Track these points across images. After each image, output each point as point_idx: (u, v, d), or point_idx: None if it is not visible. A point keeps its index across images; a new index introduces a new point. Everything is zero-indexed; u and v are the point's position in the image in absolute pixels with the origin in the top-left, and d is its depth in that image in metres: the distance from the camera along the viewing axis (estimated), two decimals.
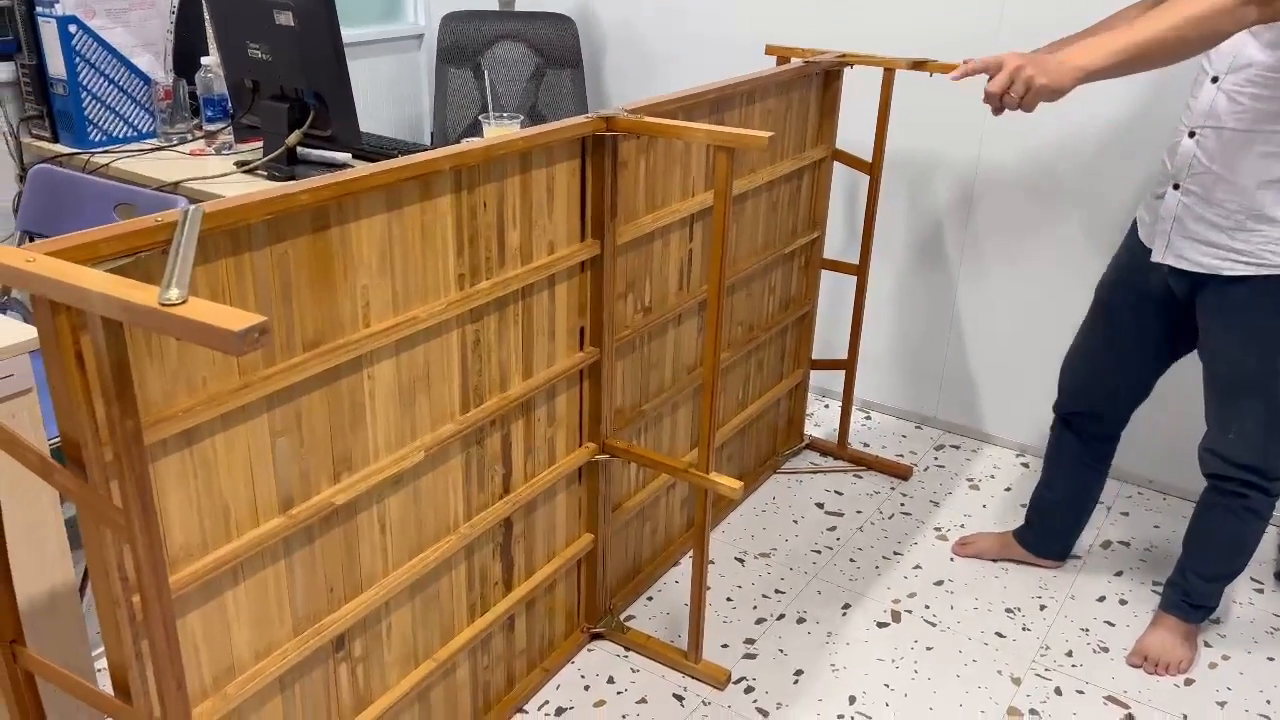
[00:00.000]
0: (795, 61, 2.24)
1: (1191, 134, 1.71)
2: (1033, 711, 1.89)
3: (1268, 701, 1.93)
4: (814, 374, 2.86)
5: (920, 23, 2.56)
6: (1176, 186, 1.75)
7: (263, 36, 2.13)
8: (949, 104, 2.56)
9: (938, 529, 2.43)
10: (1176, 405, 2.45)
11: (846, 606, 2.16)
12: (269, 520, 1.27)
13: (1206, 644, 2.08)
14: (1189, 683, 1.98)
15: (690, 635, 1.94)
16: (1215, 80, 1.66)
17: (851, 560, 2.31)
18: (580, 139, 1.65)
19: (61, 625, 1.42)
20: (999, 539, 2.30)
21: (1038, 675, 1.98)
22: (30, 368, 1.30)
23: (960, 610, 2.15)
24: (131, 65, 2.44)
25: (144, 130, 2.50)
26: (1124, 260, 1.93)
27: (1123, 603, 2.19)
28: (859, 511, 2.49)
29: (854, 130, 2.62)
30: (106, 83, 2.40)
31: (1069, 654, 2.04)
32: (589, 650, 2.02)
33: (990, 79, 1.56)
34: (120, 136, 2.46)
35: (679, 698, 1.90)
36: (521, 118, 2.23)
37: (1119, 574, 2.29)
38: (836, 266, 2.56)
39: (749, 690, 1.92)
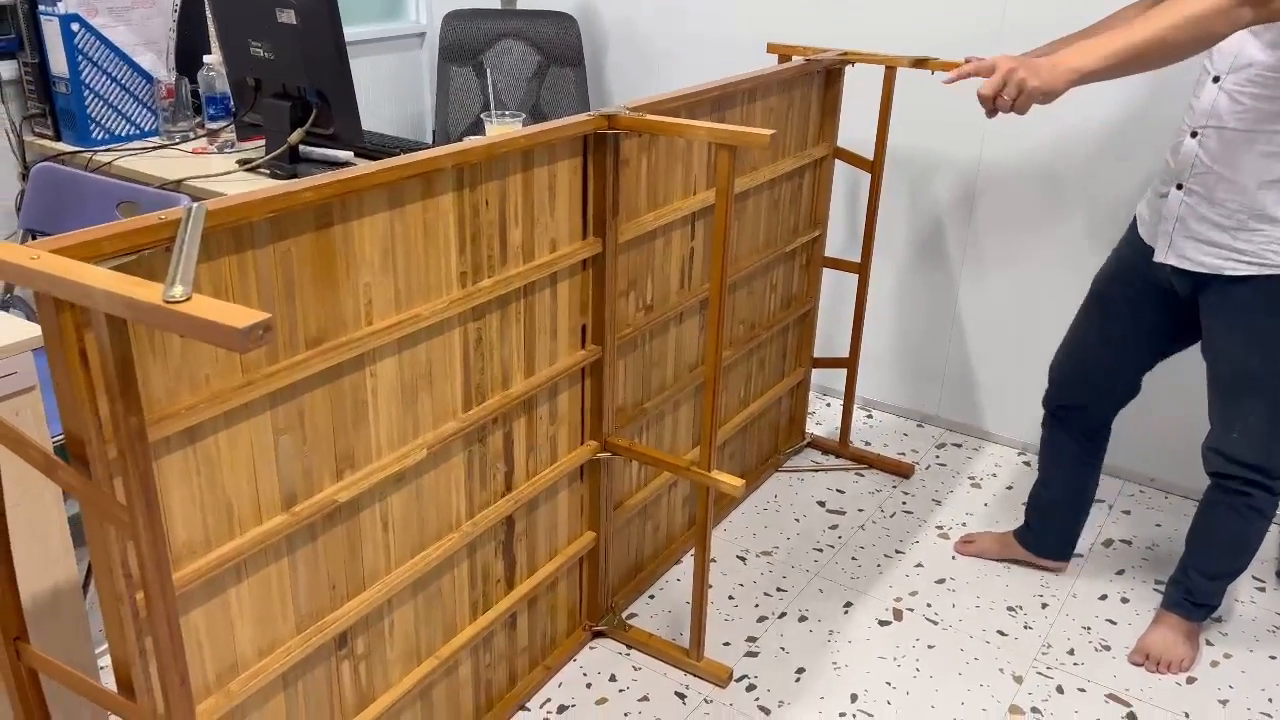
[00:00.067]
0: (797, 59, 2.24)
1: (1194, 134, 1.71)
2: (1035, 710, 1.89)
3: (1269, 700, 1.93)
4: (815, 372, 2.86)
5: (921, 22, 2.56)
6: (1179, 186, 1.75)
7: (265, 35, 2.13)
8: (950, 102, 2.56)
9: (939, 527, 2.43)
10: (1178, 404, 2.45)
11: (848, 605, 2.16)
12: (272, 518, 1.27)
13: (1208, 642, 2.08)
14: (1191, 681, 1.98)
15: (692, 633, 1.94)
16: (1217, 80, 1.66)
17: (853, 558, 2.31)
18: (582, 137, 1.65)
19: (65, 622, 1.42)
20: (1000, 539, 2.30)
21: (1039, 673, 1.98)
22: (33, 365, 1.30)
23: (962, 608, 2.15)
24: (134, 63, 2.44)
25: (146, 128, 2.51)
26: (1123, 254, 1.93)
27: (1124, 601, 2.19)
28: (861, 510, 2.49)
29: (855, 128, 2.62)
30: (109, 81, 2.40)
31: (1071, 652, 2.04)
32: (591, 648, 2.02)
33: (983, 82, 1.57)
34: (123, 135, 2.47)
35: (681, 695, 1.90)
36: (523, 116, 2.23)
37: (1121, 572, 2.29)
38: (838, 265, 2.56)
39: (751, 688, 1.93)
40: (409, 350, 1.42)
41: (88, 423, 0.95)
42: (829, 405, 2.99)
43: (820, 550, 2.34)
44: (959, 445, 2.80)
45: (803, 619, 2.11)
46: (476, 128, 3.02)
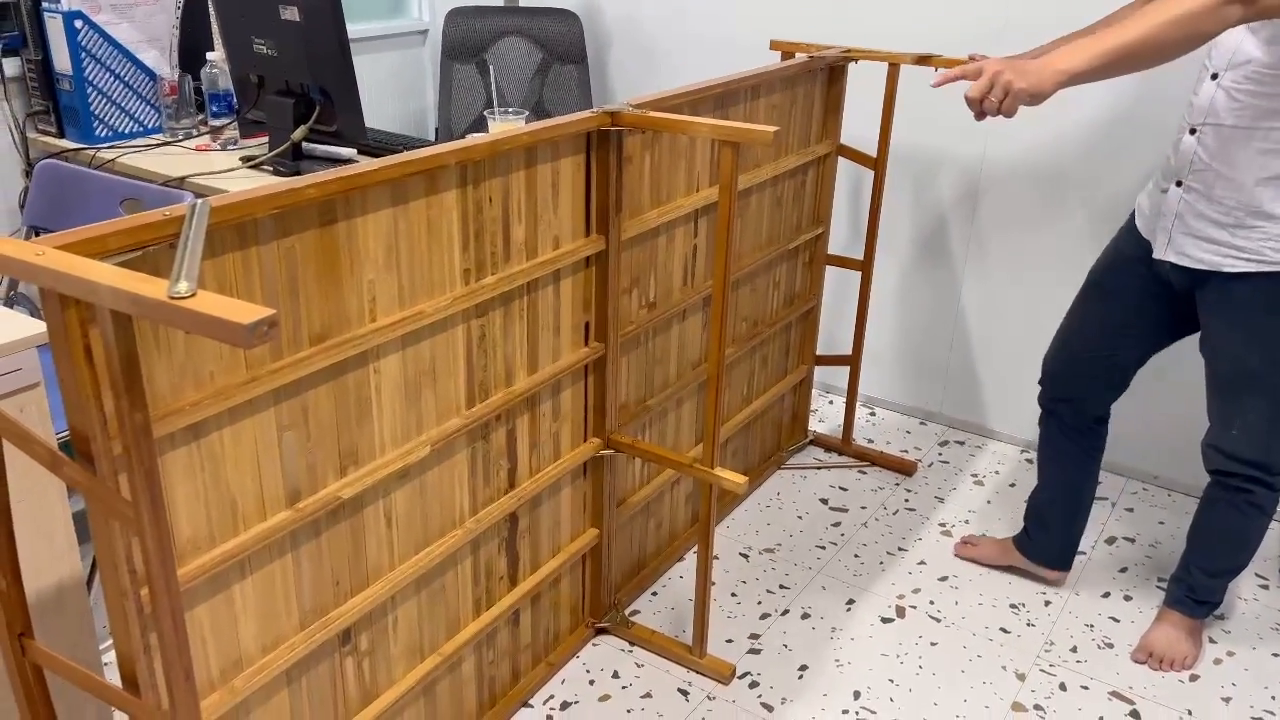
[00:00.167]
0: (800, 57, 2.24)
1: (1193, 131, 1.71)
2: (1037, 707, 1.89)
3: (1272, 697, 1.93)
4: (818, 370, 2.86)
5: (922, 22, 2.55)
6: (1179, 183, 1.75)
7: (268, 32, 2.13)
8: (954, 100, 2.56)
9: (942, 525, 2.43)
10: (1180, 402, 2.45)
11: (851, 602, 2.16)
12: (276, 514, 1.28)
13: (1211, 640, 2.08)
14: (1194, 678, 1.98)
15: (695, 630, 1.94)
16: (1215, 77, 1.66)
17: (856, 556, 2.31)
18: (585, 134, 1.65)
19: (70, 618, 1.42)
20: (1000, 545, 2.26)
21: (1042, 671, 1.98)
22: (38, 362, 1.30)
23: (965, 606, 2.15)
24: (137, 60, 2.44)
25: (149, 125, 2.51)
26: (1121, 246, 1.92)
27: (1127, 599, 2.19)
28: (863, 507, 2.49)
29: (859, 126, 2.61)
30: (112, 78, 2.40)
31: (1073, 649, 2.04)
32: (594, 645, 2.02)
33: (970, 85, 1.58)
34: (126, 132, 2.47)
35: (684, 692, 1.91)
36: (526, 113, 2.23)
37: (1123, 570, 2.29)
38: (841, 262, 2.56)
39: (753, 685, 1.93)
40: (412, 347, 1.43)
41: (93, 419, 0.96)
42: (831, 403, 2.99)
43: (823, 547, 2.34)
44: (962, 443, 2.80)
45: (805, 616, 2.12)
46: (479, 125, 3.02)
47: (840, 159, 2.48)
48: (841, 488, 2.58)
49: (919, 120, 2.63)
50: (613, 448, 1.89)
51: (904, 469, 2.64)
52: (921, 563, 2.29)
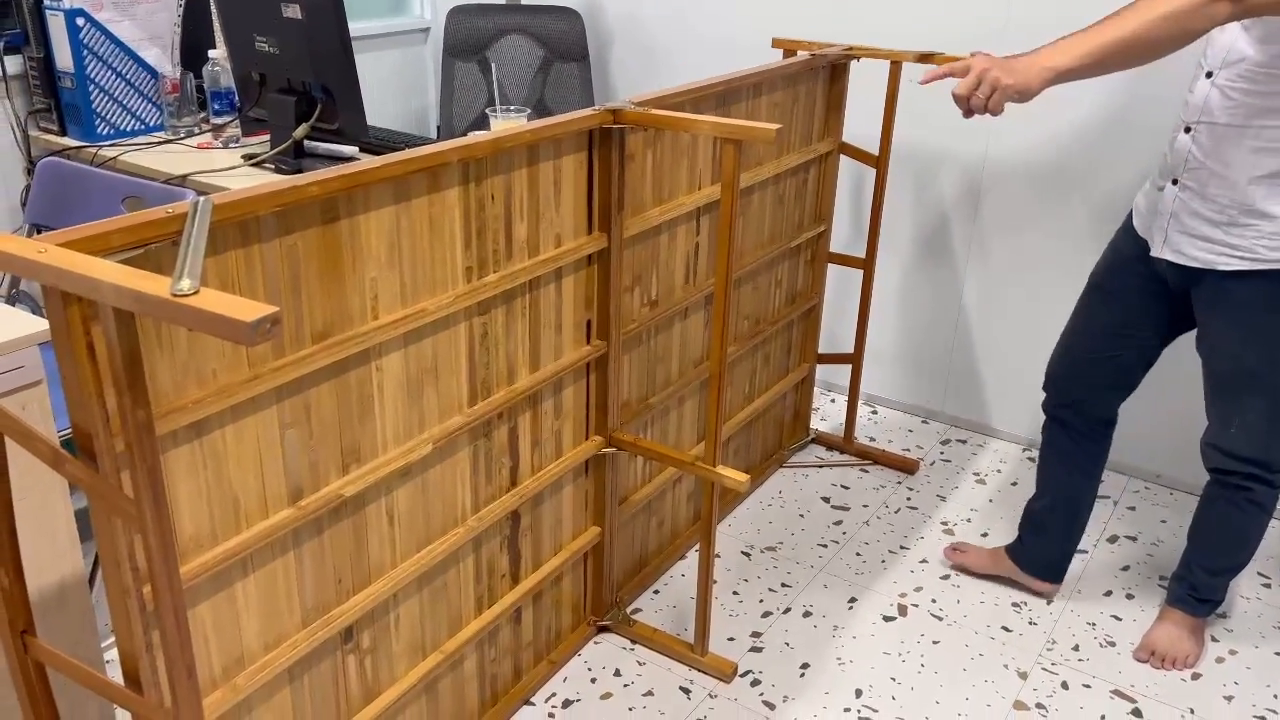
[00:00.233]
0: (802, 55, 2.24)
1: (1187, 129, 1.71)
2: (1039, 705, 1.89)
3: (1275, 696, 1.93)
4: (820, 368, 2.86)
5: (922, 22, 2.55)
6: (1174, 181, 1.75)
7: (270, 29, 2.13)
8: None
9: (944, 523, 2.43)
10: (1183, 400, 2.45)
11: (853, 600, 2.16)
12: (278, 512, 1.28)
13: (1214, 638, 2.07)
14: (1196, 677, 1.98)
15: (697, 628, 1.94)
16: (1210, 75, 1.66)
17: (858, 554, 2.31)
18: (587, 132, 1.65)
19: (72, 615, 1.42)
20: (990, 554, 2.22)
21: (1044, 669, 1.98)
22: (40, 359, 1.30)
23: (966, 604, 2.15)
24: (139, 58, 2.44)
25: (151, 123, 2.51)
26: (1120, 246, 1.92)
27: (1129, 597, 2.19)
28: (865, 505, 2.49)
29: (860, 124, 2.61)
30: (114, 76, 2.40)
31: (1075, 648, 2.04)
32: (595, 643, 2.02)
33: (958, 82, 1.59)
34: (127, 130, 2.47)
35: (685, 690, 1.91)
36: (528, 111, 2.23)
37: (1125, 568, 2.28)
38: (843, 260, 2.56)
39: (755, 683, 1.93)
40: (415, 345, 1.42)
41: (95, 416, 0.96)
42: (833, 401, 2.99)
43: (825, 546, 2.34)
44: (964, 441, 2.79)
45: (807, 614, 2.11)
46: (481, 123, 3.02)
47: (842, 157, 2.48)
48: (843, 486, 2.58)
49: (921, 118, 2.63)
50: (614, 446, 1.88)
51: (906, 467, 2.64)
52: (923, 561, 2.29)
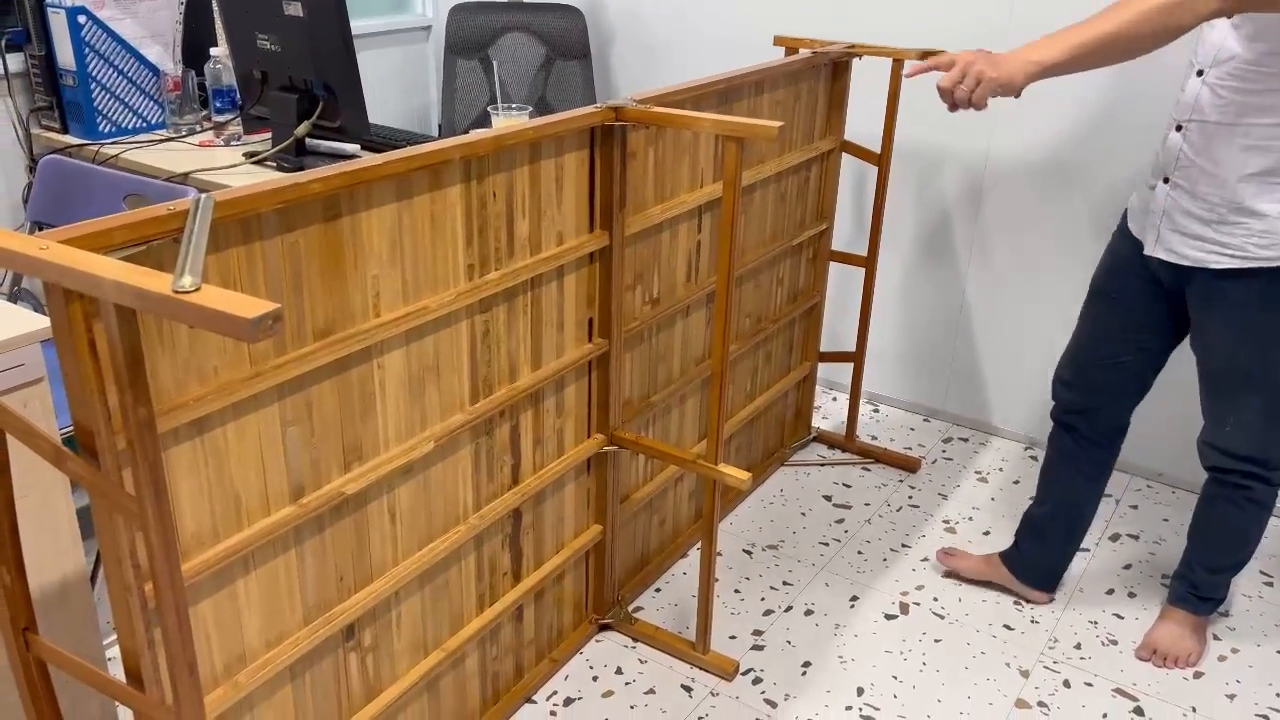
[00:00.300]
0: (804, 52, 2.23)
1: (1178, 128, 1.71)
2: (1041, 704, 1.89)
3: (1277, 694, 1.93)
4: (822, 366, 2.86)
5: (922, 22, 2.55)
6: (1166, 180, 1.75)
7: (271, 27, 2.13)
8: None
9: (946, 521, 2.43)
10: (1186, 399, 2.44)
11: (854, 598, 2.16)
12: (280, 509, 1.28)
13: (1216, 637, 2.07)
14: (1198, 675, 1.97)
15: (698, 626, 1.94)
16: (1200, 74, 1.66)
17: (859, 552, 2.31)
18: (589, 129, 1.65)
19: (74, 613, 1.42)
20: (983, 560, 2.19)
21: (1046, 667, 1.98)
22: (41, 357, 1.30)
23: (968, 602, 2.15)
24: (140, 56, 2.44)
25: (153, 121, 2.51)
26: (1118, 248, 1.91)
27: (1131, 596, 2.19)
28: (867, 504, 2.49)
29: (862, 122, 2.61)
30: (116, 74, 2.40)
31: (1077, 646, 2.03)
32: (597, 641, 2.02)
33: (943, 75, 1.61)
34: (129, 127, 2.47)
35: (687, 688, 1.91)
36: (530, 109, 2.23)
37: (1128, 567, 2.28)
38: (845, 259, 2.56)
39: (757, 681, 1.93)
40: (416, 343, 1.42)
41: (97, 413, 0.95)
42: (835, 399, 2.99)
43: (826, 544, 2.34)
44: (965, 439, 2.79)
45: (809, 613, 2.11)
46: (483, 121, 3.02)
47: (844, 155, 2.48)
48: (845, 484, 2.57)
49: (923, 117, 2.63)
50: (616, 444, 1.88)
51: (907, 466, 2.64)
52: (925, 559, 2.29)
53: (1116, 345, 1.93)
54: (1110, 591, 2.20)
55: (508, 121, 2.13)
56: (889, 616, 2.11)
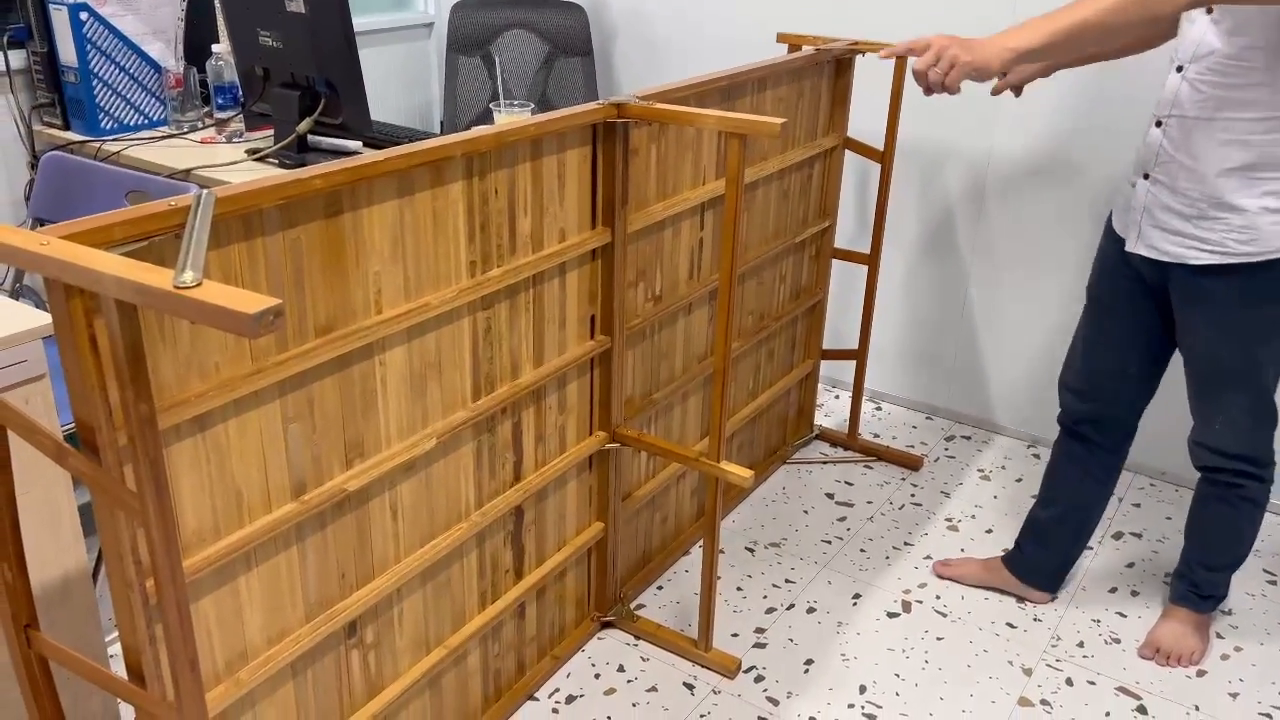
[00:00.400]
0: (807, 49, 2.23)
1: (1159, 123, 1.71)
2: (1044, 702, 1.89)
3: None
4: (824, 364, 2.86)
5: (926, 20, 2.54)
6: (1146, 176, 1.74)
7: (274, 24, 2.12)
8: (962, 92, 2.54)
9: (948, 520, 2.43)
10: (1186, 397, 2.44)
11: (857, 596, 2.15)
12: (281, 506, 1.27)
13: (1219, 635, 2.07)
14: (1201, 674, 1.97)
15: (700, 624, 1.94)
16: (1180, 69, 1.66)
17: (862, 550, 2.31)
18: (591, 126, 1.64)
19: (75, 609, 1.42)
20: (983, 564, 2.18)
21: (1049, 666, 1.98)
22: (43, 354, 1.30)
23: (971, 601, 2.15)
24: (142, 53, 2.44)
25: (155, 118, 2.51)
26: (1106, 250, 1.90)
27: (1134, 594, 2.18)
28: (869, 502, 2.49)
29: (866, 119, 2.60)
30: (118, 70, 2.40)
31: (1080, 645, 2.03)
32: (599, 638, 2.02)
33: (918, 59, 1.63)
34: (131, 124, 2.46)
35: (689, 686, 1.90)
36: (532, 105, 2.23)
37: (1130, 565, 2.28)
38: (847, 256, 2.55)
39: (759, 679, 1.92)
40: (418, 339, 1.42)
41: (98, 409, 0.95)
42: (837, 397, 2.98)
43: (829, 542, 2.33)
44: (968, 438, 2.79)
45: (811, 610, 2.11)
46: (484, 118, 3.01)
47: (847, 152, 2.47)
48: (847, 482, 2.57)
49: (926, 114, 2.62)
50: (618, 441, 1.88)
51: (910, 464, 2.64)
52: (927, 557, 2.28)
53: (1119, 353, 1.91)
54: (1113, 590, 2.19)
55: (510, 118, 2.12)
56: (891, 614, 2.11)
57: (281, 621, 1.32)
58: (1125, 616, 2.12)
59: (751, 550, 2.30)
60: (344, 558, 1.40)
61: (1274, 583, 2.24)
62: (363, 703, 1.50)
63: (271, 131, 2.31)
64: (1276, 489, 2.06)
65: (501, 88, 2.91)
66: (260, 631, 1.30)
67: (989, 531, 2.38)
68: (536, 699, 1.87)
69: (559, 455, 1.79)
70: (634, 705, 1.85)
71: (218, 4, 2.49)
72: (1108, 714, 1.86)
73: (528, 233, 1.57)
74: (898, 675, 1.94)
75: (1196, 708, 1.88)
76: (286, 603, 1.32)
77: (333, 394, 1.31)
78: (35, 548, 1.33)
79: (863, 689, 1.91)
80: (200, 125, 2.48)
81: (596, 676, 1.92)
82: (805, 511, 2.44)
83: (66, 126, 2.44)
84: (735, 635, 2.03)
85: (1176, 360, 2.00)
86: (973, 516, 2.44)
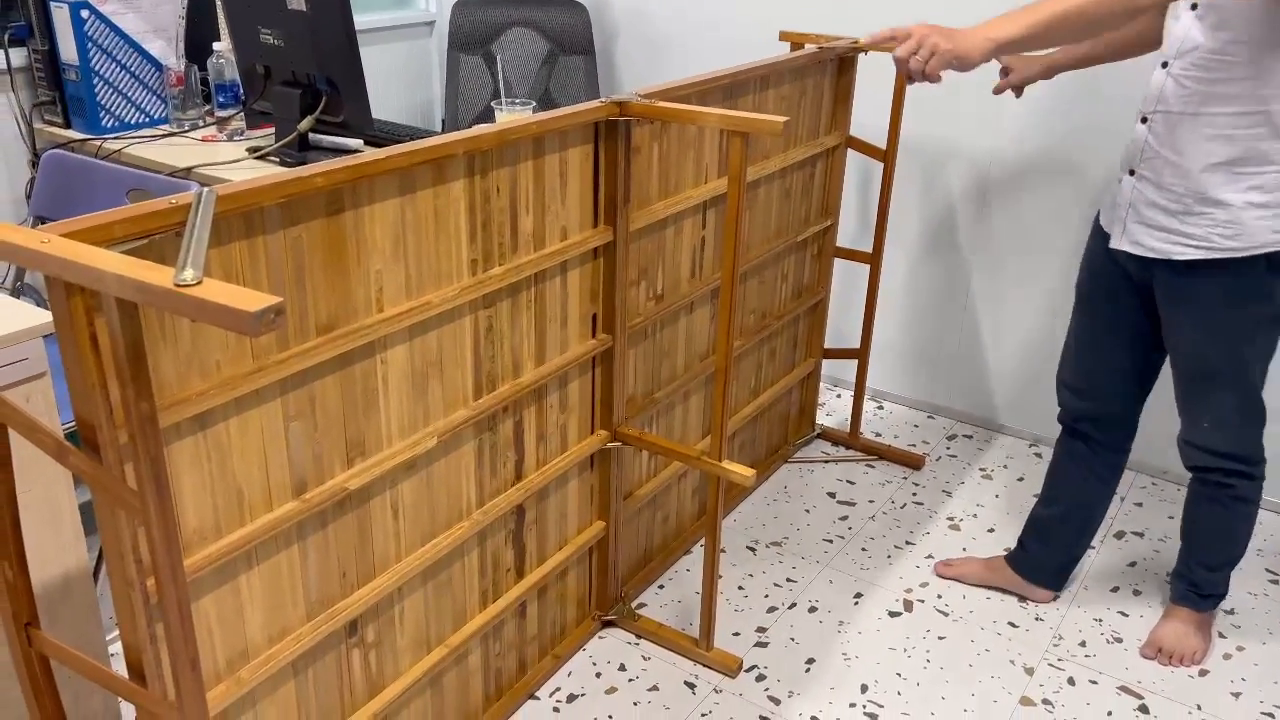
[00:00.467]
0: (809, 48, 2.22)
1: (1144, 120, 1.71)
2: (1046, 701, 1.88)
3: None
4: (826, 363, 2.85)
5: (927, 19, 2.53)
6: (1132, 172, 1.74)
7: (275, 22, 2.12)
8: (964, 92, 2.54)
9: (950, 519, 2.42)
10: None
11: (858, 596, 2.15)
12: (282, 504, 1.27)
13: (1221, 635, 2.07)
14: (1203, 673, 1.97)
15: (702, 623, 1.93)
16: (1165, 65, 1.66)
17: (863, 549, 2.30)
18: (593, 124, 1.64)
19: (76, 608, 1.42)
20: (985, 564, 2.18)
21: (1051, 665, 1.97)
22: (44, 352, 1.30)
23: (972, 600, 2.14)
24: (144, 51, 2.43)
25: (156, 116, 2.50)
26: (1093, 249, 1.90)
27: (1136, 593, 2.18)
28: (871, 501, 2.48)
29: (868, 118, 2.60)
30: (119, 68, 2.40)
31: (1082, 644, 2.03)
32: (600, 637, 2.02)
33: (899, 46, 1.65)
34: (132, 122, 2.46)
35: (690, 685, 1.90)
36: (534, 104, 2.22)
37: (1132, 564, 2.27)
38: (849, 255, 2.55)
39: (761, 678, 1.92)
40: (420, 338, 1.42)
41: (99, 408, 0.95)
42: (839, 396, 2.98)
43: (830, 541, 2.33)
44: (970, 437, 2.78)
45: (813, 609, 2.11)
46: (486, 116, 3.01)
47: (849, 151, 2.47)
48: (849, 481, 2.57)
49: (929, 113, 2.62)
50: (620, 440, 1.88)
51: (912, 463, 2.63)
52: (929, 557, 2.28)
53: (1110, 350, 1.91)
54: (1115, 589, 2.19)
55: (511, 116, 2.12)
56: (893, 614, 2.10)
57: (282, 620, 1.32)
58: (1127, 616, 2.11)
59: (753, 549, 2.30)
60: (345, 556, 1.39)
61: (1276, 582, 2.23)
62: (364, 701, 1.50)
63: (272, 130, 2.30)
64: (1271, 486, 2.06)
65: (503, 86, 2.90)
66: (261, 630, 1.30)
67: (991, 531, 2.38)
68: (537, 698, 1.87)
69: (560, 454, 1.79)
70: (635, 704, 1.85)
71: (219, 2, 2.49)
72: (1110, 713, 1.86)
73: (529, 231, 1.57)
74: (899, 674, 1.94)
75: (1199, 707, 1.88)
76: (287, 601, 1.32)
77: (334, 392, 1.30)
78: (36, 546, 1.33)
79: (864, 688, 1.90)
80: (201, 123, 2.48)
81: (598, 676, 1.92)
82: (807, 510, 2.44)
83: (67, 124, 2.44)
84: (737, 634, 2.03)
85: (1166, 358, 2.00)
86: (974, 516, 2.44)
